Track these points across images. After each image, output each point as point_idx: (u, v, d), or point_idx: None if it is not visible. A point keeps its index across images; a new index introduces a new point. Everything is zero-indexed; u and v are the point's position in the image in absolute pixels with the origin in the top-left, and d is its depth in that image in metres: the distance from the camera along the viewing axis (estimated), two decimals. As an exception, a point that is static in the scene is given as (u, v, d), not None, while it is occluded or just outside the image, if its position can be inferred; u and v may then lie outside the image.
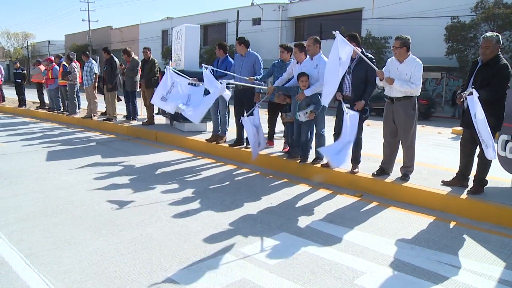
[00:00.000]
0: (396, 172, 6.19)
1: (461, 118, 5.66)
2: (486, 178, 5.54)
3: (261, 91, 7.80)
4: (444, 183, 5.75)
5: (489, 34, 5.27)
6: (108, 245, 4.13)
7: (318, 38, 6.88)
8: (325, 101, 5.87)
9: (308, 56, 6.92)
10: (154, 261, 3.81)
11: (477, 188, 5.48)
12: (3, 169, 7.06)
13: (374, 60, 6.13)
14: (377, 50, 26.46)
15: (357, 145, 6.40)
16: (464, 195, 5.37)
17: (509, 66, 5.13)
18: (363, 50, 6.28)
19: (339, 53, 5.42)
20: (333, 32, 5.54)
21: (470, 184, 5.62)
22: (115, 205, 5.36)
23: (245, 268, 3.72)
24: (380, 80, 5.86)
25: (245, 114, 7.31)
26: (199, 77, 7.90)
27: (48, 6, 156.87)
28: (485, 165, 5.42)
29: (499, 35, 5.25)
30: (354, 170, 6.41)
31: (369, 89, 6.17)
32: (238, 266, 3.75)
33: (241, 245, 4.21)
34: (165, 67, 7.70)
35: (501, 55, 5.22)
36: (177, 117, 10.41)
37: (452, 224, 4.95)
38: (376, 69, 5.85)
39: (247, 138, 8.25)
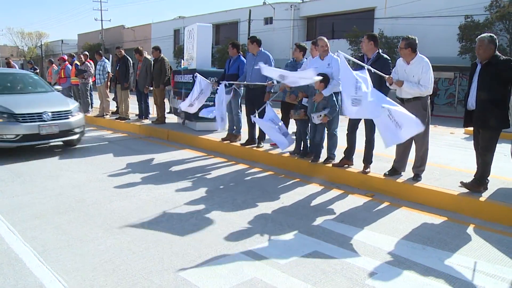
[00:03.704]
0: (408, 172, 6.16)
1: (464, 118, 5.64)
2: (488, 178, 5.51)
3: (272, 90, 7.81)
4: (463, 184, 5.66)
5: (483, 34, 5.35)
6: (120, 243, 4.16)
7: (325, 38, 6.90)
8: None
9: (317, 56, 6.92)
10: (166, 260, 3.83)
11: (473, 185, 5.45)
12: (17, 167, 7.14)
13: (390, 62, 6.10)
14: (389, 49, 26.28)
15: (369, 144, 6.38)
16: (477, 196, 5.32)
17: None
18: (380, 51, 6.26)
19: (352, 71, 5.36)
20: (338, 55, 5.54)
21: (489, 187, 5.56)
22: (127, 203, 5.40)
23: (256, 267, 3.72)
24: (390, 85, 5.83)
25: (256, 113, 7.40)
26: (212, 77, 8.31)
27: (62, 6, 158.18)
28: (487, 163, 5.39)
29: (493, 36, 5.26)
30: (366, 170, 6.39)
31: (385, 90, 6.11)
32: (249, 265, 3.76)
33: (252, 244, 4.22)
34: (195, 75, 8.29)
35: (498, 53, 5.25)
36: (189, 116, 10.45)
37: (464, 225, 4.91)
38: (384, 75, 5.81)
39: (259, 137, 8.27)
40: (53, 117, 8.10)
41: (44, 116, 7.97)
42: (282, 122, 7.29)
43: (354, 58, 6.27)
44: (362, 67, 5.56)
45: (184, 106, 8.42)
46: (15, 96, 8.90)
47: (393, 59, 6.54)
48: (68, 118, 8.40)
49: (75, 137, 8.74)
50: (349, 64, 5.40)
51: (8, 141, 7.68)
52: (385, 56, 6.23)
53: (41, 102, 8.58)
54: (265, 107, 7.32)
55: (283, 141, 7.03)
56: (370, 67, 5.63)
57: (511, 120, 5.24)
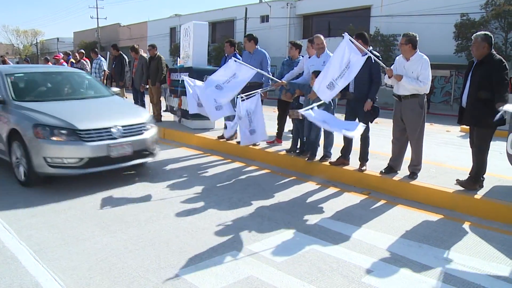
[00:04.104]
0: (404, 170, 6.17)
1: (458, 115, 5.67)
2: (483, 176, 5.54)
3: (268, 88, 7.79)
4: (458, 182, 5.67)
5: (478, 32, 5.37)
6: (116, 242, 4.15)
7: (322, 36, 6.88)
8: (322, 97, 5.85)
9: (314, 55, 6.92)
10: (162, 258, 3.83)
11: (469, 183, 5.47)
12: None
13: (380, 58, 6.12)
14: (385, 47, 26.31)
15: (365, 142, 6.39)
16: (472, 194, 5.34)
17: (504, 61, 5.16)
18: (370, 48, 6.27)
19: (350, 55, 5.44)
20: (343, 34, 5.67)
21: (485, 185, 5.58)
22: (123, 201, 5.39)
23: (252, 265, 3.72)
24: (389, 77, 5.85)
25: (241, 97, 6.95)
26: (208, 75, 8.12)
27: (57, 4, 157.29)
28: (481, 161, 5.42)
29: (489, 34, 5.27)
30: (362, 168, 6.39)
31: (374, 87, 6.13)
32: (245, 263, 3.76)
33: (249, 242, 4.22)
34: (182, 78, 7.91)
35: (494, 52, 5.26)
36: (185, 114, 10.43)
37: (460, 223, 4.93)
38: (385, 66, 5.84)
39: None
40: (124, 132, 6.10)
41: (114, 132, 5.97)
42: (260, 117, 7.00)
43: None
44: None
45: (193, 109, 7.75)
46: (68, 104, 6.73)
47: (389, 57, 6.57)
48: (142, 133, 6.38)
49: (149, 158, 6.71)
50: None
51: (70, 167, 5.72)
52: (375, 53, 6.25)
53: (107, 112, 6.62)
54: (254, 94, 7.19)
55: (246, 136, 6.86)
56: (372, 55, 5.66)
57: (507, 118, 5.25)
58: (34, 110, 6.03)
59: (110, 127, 5.98)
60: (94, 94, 7.53)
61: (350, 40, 5.55)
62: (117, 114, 6.57)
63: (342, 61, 5.45)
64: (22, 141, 5.76)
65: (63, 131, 5.68)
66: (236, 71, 6.99)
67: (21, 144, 5.80)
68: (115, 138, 5.95)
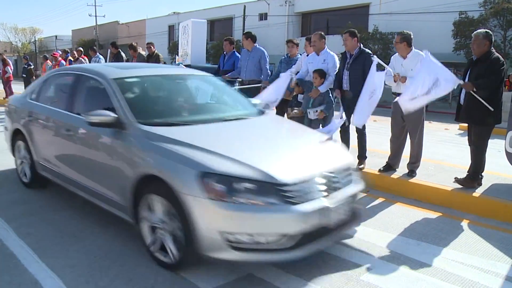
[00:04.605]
0: (402, 168, 6.18)
1: (456, 113, 5.69)
2: (482, 174, 5.57)
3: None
4: (457, 180, 5.67)
5: (479, 30, 5.40)
6: (115, 239, 4.15)
7: (322, 33, 6.84)
8: (357, 122, 6.12)
9: (313, 52, 6.92)
10: (161, 256, 3.83)
11: (467, 181, 5.49)
12: (11, 164, 7.09)
13: (372, 55, 6.13)
14: (384, 45, 26.32)
15: (361, 139, 6.40)
16: (471, 192, 5.35)
17: (501, 59, 5.17)
18: (361, 46, 6.31)
19: (375, 77, 5.77)
20: (372, 58, 5.97)
21: (483, 182, 5.60)
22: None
23: (251, 264, 3.72)
24: (395, 81, 5.84)
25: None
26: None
27: (56, 1, 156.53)
28: (479, 159, 5.43)
29: (490, 32, 5.29)
30: (360, 166, 6.40)
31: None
32: (245, 262, 3.76)
33: (247, 240, 4.21)
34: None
35: (493, 50, 5.27)
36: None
37: (458, 221, 4.94)
38: (391, 71, 5.86)
39: None
40: (335, 183, 3.60)
41: (326, 183, 3.50)
42: None
43: (341, 55, 6.39)
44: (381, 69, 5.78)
45: None
46: (227, 130, 4.23)
47: (387, 55, 6.61)
48: (351, 181, 3.86)
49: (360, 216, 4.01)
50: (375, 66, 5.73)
51: (267, 250, 3.25)
52: (367, 50, 6.26)
53: (297, 148, 4.04)
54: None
55: None
56: (390, 69, 5.75)
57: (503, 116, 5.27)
58: (183, 142, 3.58)
59: (320, 176, 3.51)
60: (244, 112, 4.84)
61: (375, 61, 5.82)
62: (312, 150, 4.09)
63: (370, 86, 5.79)
64: (173, 199, 3.33)
65: (252, 186, 3.20)
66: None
67: (168, 202, 3.40)
68: (328, 194, 3.46)
